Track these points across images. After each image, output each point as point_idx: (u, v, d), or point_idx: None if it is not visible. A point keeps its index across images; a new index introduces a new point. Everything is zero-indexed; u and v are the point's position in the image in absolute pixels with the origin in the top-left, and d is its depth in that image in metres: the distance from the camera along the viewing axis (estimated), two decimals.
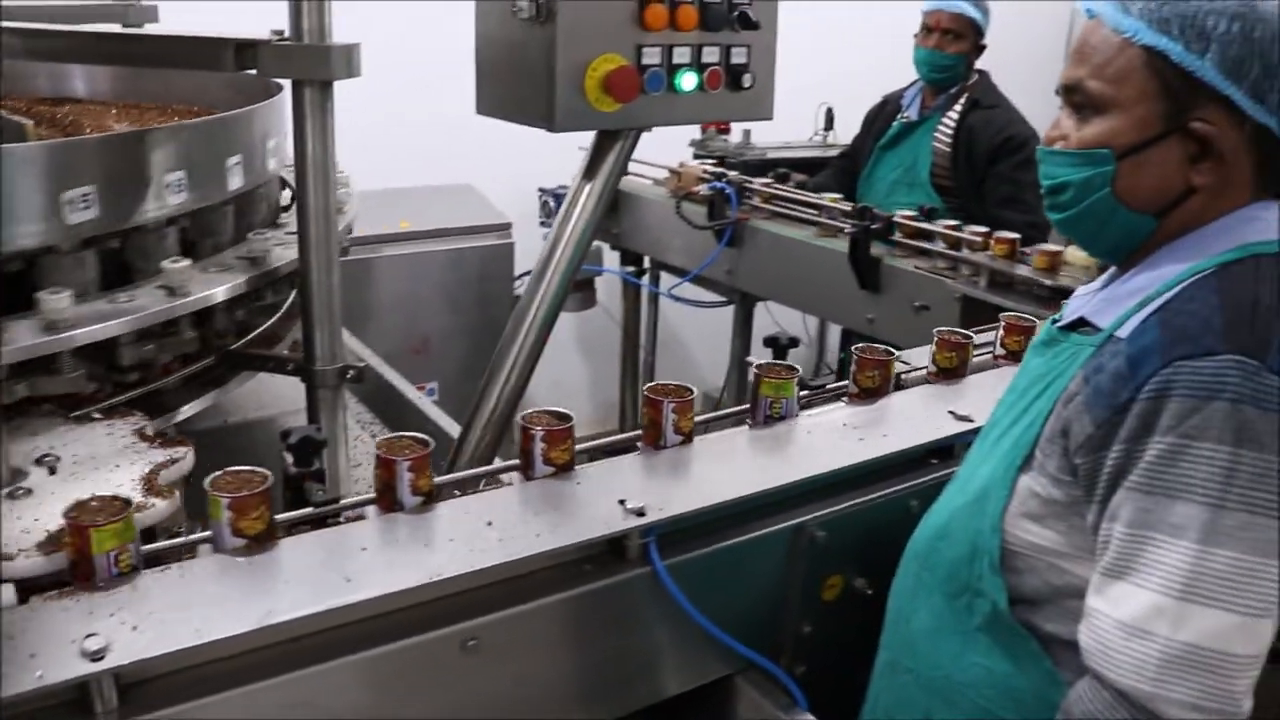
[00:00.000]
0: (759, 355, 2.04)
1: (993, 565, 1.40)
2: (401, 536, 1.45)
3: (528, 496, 1.54)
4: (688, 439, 1.70)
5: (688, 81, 1.74)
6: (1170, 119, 1.29)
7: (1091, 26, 1.34)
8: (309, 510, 1.49)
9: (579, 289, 4.49)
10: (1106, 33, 1.31)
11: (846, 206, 3.41)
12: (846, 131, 4.43)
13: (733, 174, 3.84)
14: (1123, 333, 1.30)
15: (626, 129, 1.80)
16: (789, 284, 3.64)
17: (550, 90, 1.64)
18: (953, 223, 3.18)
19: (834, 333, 5.20)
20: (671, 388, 1.70)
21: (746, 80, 1.80)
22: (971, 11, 3.80)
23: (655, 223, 4.11)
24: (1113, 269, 1.44)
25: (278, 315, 2.31)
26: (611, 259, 4.57)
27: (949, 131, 3.81)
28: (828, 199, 3.58)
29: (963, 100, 3.84)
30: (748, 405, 1.82)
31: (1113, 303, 1.36)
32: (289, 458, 1.56)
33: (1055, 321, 1.48)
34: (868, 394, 1.87)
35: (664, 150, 4.07)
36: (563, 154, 4.13)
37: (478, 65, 1.82)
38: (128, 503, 1.32)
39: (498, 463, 1.67)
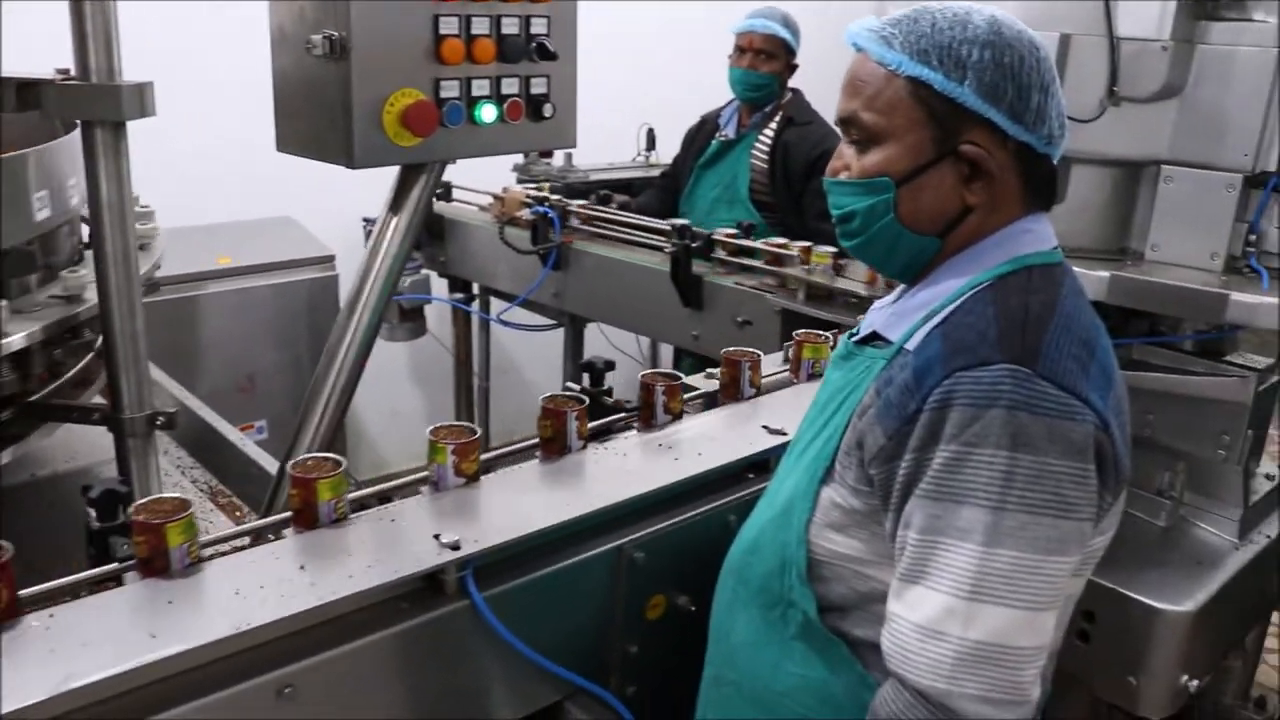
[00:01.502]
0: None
1: (801, 576, 1.44)
2: (209, 587, 1.41)
3: (342, 537, 1.52)
4: (473, 479, 1.70)
5: (488, 114, 1.75)
6: (940, 144, 1.36)
7: (860, 60, 1.41)
8: (114, 566, 1.44)
9: (408, 318, 4.45)
10: (873, 66, 1.38)
11: (666, 226, 3.47)
12: (669, 151, 4.50)
13: (555, 198, 3.86)
14: (910, 345, 1.36)
15: (430, 162, 1.80)
16: (615, 304, 3.68)
17: (348, 127, 1.63)
18: (776, 239, 3.26)
19: (667, 350, 5.27)
20: (454, 429, 1.71)
21: (547, 110, 1.82)
22: (782, 32, 3.91)
23: (481, 249, 4.11)
24: (903, 285, 1.51)
25: (89, 356, 2.22)
26: (440, 286, 4.54)
27: (765, 148, 3.91)
28: (647, 219, 3.64)
29: (778, 118, 3.95)
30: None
31: (901, 317, 1.43)
32: (91, 513, 1.51)
33: (852, 336, 1.54)
34: (648, 418, 1.91)
35: (488, 176, 4.08)
36: (385, 184, 4.12)
37: (276, 103, 1.79)
38: None
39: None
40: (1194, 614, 2.52)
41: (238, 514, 2.30)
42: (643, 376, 1.95)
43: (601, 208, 3.81)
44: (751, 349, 2.15)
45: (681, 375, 2.01)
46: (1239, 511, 2.80)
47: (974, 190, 1.38)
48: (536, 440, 1.84)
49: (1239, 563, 2.74)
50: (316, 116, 1.70)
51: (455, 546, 1.48)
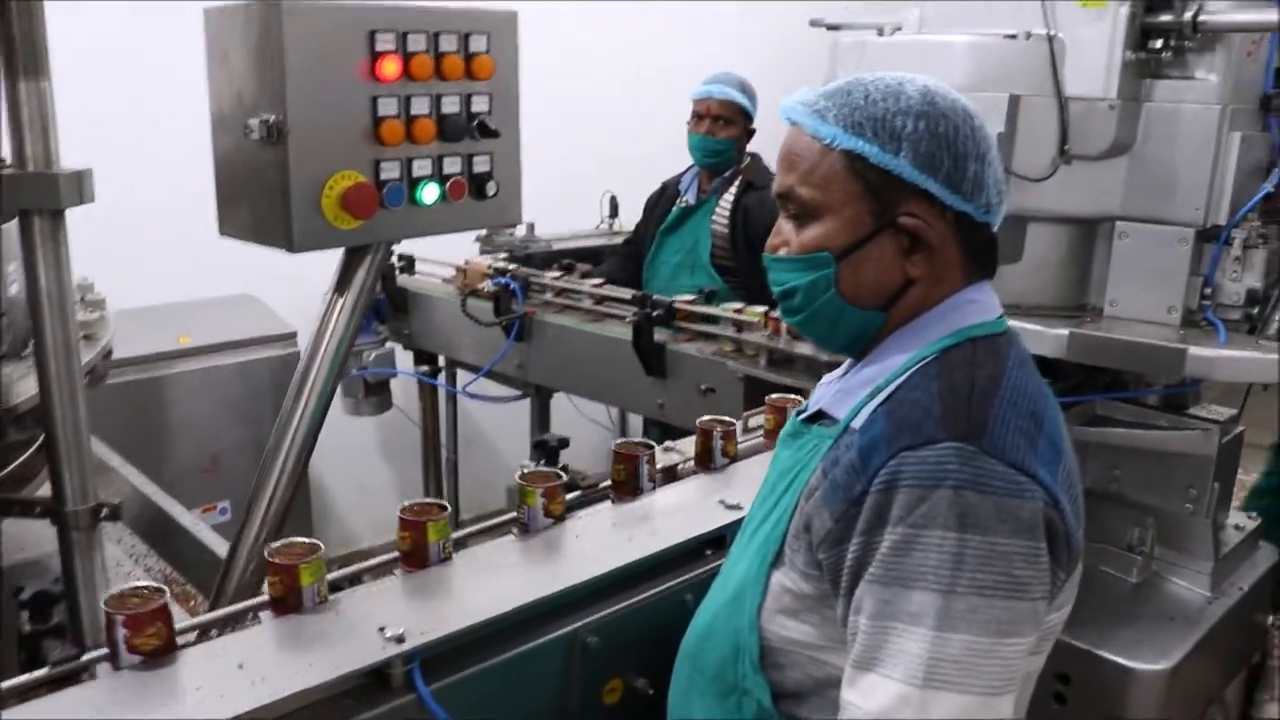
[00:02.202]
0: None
1: (754, 664, 1.40)
2: (141, 690, 1.36)
3: (282, 632, 1.48)
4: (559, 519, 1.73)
5: (429, 194, 1.74)
6: (878, 216, 1.35)
7: (794, 134, 1.40)
8: (44, 673, 1.39)
9: (373, 393, 4.41)
10: (808, 140, 1.37)
11: (627, 294, 3.46)
12: (632, 218, 4.51)
13: (518, 268, 3.85)
14: (856, 424, 1.34)
15: (374, 243, 1.78)
16: (579, 374, 3.65)
17: (286, 211, 1.60)
18: (734, 305, 3.25)
19: (636, 419, 5.25)
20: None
21: (491, 188, 1.81)
22: (739, 98, 3.94)
23: (445, 321, 4.09)
24: (850, 359, 1.49)
25: (32, 449, 2.19)
26: (405, 359, 4.51)
27: (726, 213, 3.91)
28: (608, 288, 3.63)
29: (737, 183, 3.96)
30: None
31: (847, 394, 1.41)
32: (23, 615, 1.47)
33: (800, 413, 1.52)
34: (627, 490, 1.88)
35: (451, 248, 4.07)
36: None
37: (217, 187, 1.78)
38: None
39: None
40: (1169, 672, 2.50)
41: (191, 603, 2.25)
42: (616, 447, 1.93)
43: (563, 277, 3.80)
44: (726, 417, 2.13)
45: (654, 445, 1.99)
46: (1210, 564, 2.78)
47: (915, 262, 1.36)
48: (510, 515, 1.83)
49: (1213, 616, 2.72)
50: (256, 200, 1.68)
51: (400, 639, 1.44)
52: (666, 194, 4.21)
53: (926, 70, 2.66)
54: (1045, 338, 2.55)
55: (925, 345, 1.36)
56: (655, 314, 3.23)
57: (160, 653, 1.40)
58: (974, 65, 2.58)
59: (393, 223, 1.72)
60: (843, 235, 1.36)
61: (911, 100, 1.34)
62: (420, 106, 1.71)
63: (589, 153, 5.17)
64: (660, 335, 3.27)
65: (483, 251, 4.35)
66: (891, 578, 1.22)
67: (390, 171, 1.69)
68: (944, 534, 1.19)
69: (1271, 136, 2.61)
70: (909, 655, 1.20)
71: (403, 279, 4.31)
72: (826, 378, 1.53)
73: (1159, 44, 2.50)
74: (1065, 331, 2.52)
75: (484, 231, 4.54)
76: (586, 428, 4.96)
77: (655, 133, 4.75)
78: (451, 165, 1.77)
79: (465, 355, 4.12)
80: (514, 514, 1.81)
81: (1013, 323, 2.55)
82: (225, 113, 1.71)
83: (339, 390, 4.44)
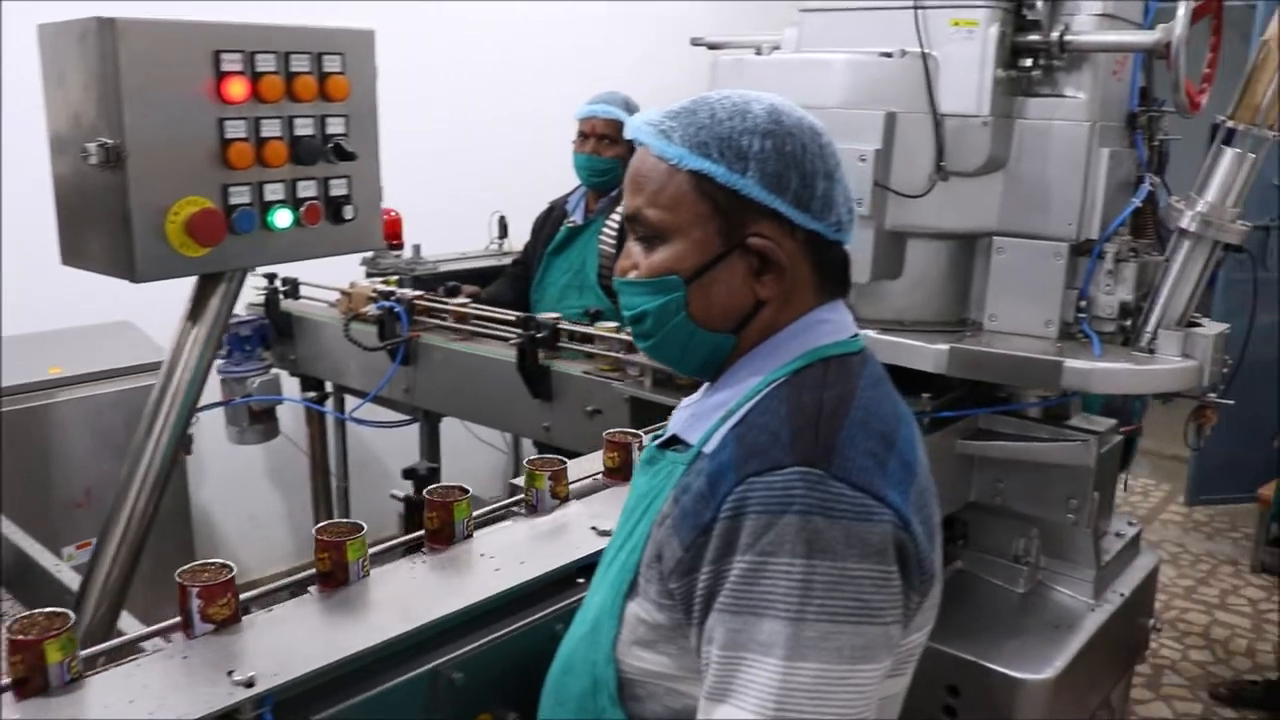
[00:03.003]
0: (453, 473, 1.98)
1: (612, 697, 1.36)
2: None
3: (127, 679, 1.41)
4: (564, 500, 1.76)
5: (283, 219, 1.67)
6: (727, 237, 1.32)
7: (641, 154, 1.36)
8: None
9: (259, 420, 4.28)
10: (654, 161, 1.34)
11: (511, 316, 3.41)
12: (522, 239, 4.46)
13: (403, 291, 3.78)
14: (708, 449, 1.30)
15: (227, 271, 1.71)
16: (466, 398, 3.59)
17: (128, 238, 1.53)
18: (609, 324, 3.21)
19: (529, 442, 5.18)
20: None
21: (348, 212, 1.74)
22: (623, 116, 3.91)
23: (331, 346, 3.99)
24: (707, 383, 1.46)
25: None
26: (292, 386, 4.40)
27: (613, 233, 3.89)
28: (491, 310, 3.57)
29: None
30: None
31: (700, 418, 1.38)
32: None
33: (657, 438, 1.48)
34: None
35: (336, 271, 3.98)
36: None
37: (58, 214, 1.69)
38: None
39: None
40: (1054, 680, 2.53)
41: None
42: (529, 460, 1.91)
43: (447, 300, 3.73)
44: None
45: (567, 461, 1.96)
46: (1092, 572, 2.83)
47: (765, 283, 1.34)
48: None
49: (1096, 623, 2.76)
50: (97, 227, 1.60)
51: (249, 683, 1.37)
52: (554, 214, 4.18)
53: (805, 89, 2.70)
54: (926, 353, 2.56)
55: (777, 367, 1.34)
56: (539, 335, 3.17)
57: (230, 621, 1.48)
58: (851, 83, 2.59)
59: (243, 249, 1.65)
60: (692, 257, 1.33)
61: (758, 119, 1.31)
62: (271, 128, 1.64)
63: (478, 173, 5.13)
64: (546, 358, 3.22)
65: (369, 275, 4.27)
66: (741, 606, 1.19)
67: (240, 196, 1.62)
68: (791, 561, 1.16)
69: (1138, 152, 2.67)
70: (760, 686, 1.16)
71: (287, 304, 4.20)
72: (684, 401, 1.49)
73: (1029, 63, 2.54)
74: (946, 346, 2.54)
75: (370, 254, 4.47)
76: (482, 452, 4.90)
77: (546, 152, 4.72)
78: (306, 189, 1.70)
79: (352, 380, 4.02)
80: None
81: (894, 339, 2.63)
82: (63, 135, 1.62)
83: (224, 419, 4.36)
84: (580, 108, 3.97)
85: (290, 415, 4.66)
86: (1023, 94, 2.58)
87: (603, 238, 3.90)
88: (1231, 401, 2.58)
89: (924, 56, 2.51)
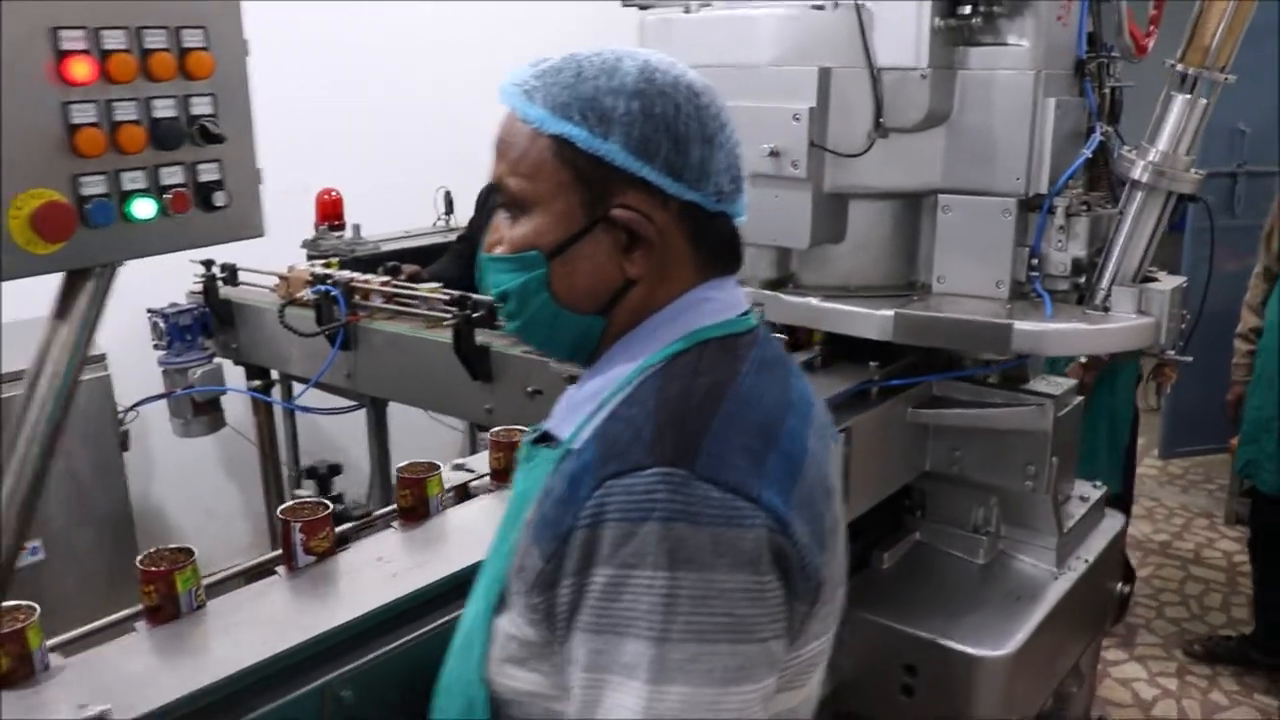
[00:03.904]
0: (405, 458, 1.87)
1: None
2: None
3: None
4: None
5: (143, 209, 1.51)
6: (591, 209, 1.18)
7: (508, 117, 1.23)
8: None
9: (202, 412, 4.15)
10: (519, 124, 1.21)
11: (446, 296, 3.28)
12: (468, 214, 4.33)
13: (341, 274, 3.64)
14: (577, 445, 1.17)
15: (95, 266, 1.57)
16: (407, 381, 3.46)
17: None
18: None
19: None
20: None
21: (220, 199, 1.60)
22: None
23: (274, 333, 3.85)
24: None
25: None
26: (236, 374, 4.27)
27: None
28: (425, 289, 3.44)
29: None
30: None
31: (572, 410, 1.24)
32: None
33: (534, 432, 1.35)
34: (412, 516, 1.72)
35: (276, 254, 3.85)
36: (173, 272, 3.86)
37: None
38: None
39: None
40: (1013, 656, 2.45)
41: None
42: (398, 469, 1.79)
43: (370, 279, 3.59)
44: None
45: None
46: (1055, 539, 2.75)
47: (634, 260, 1.20)
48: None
49: (1059, 592, 2.68)
50: None
51: (101, 718, 1.26)
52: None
53: (734, 46, 2.56)
54: (871, 319, 2.46)
55: (652, 352, 1.20)
56: (474, 315, 3.05)
57: (329, 554, 1.62)
58: (782, 38, 2.48)
59: (101, 244, 1.50)
60: (554, 231, 1.20)
61: (626, 78, 1.17)
62: (126, 112, 1.49)
63: (422, 150, 4.98)
64: (485, 337, 3.10)
65: (310, 258, 4.13)
66: (603, 625, 1.06)
67: (94, 186, 1.48)
68: (654, 574, 1.03)
69: (1088, 101, 2.55)
70: (624, 711, 1.04)
71: (226, 290, 4.06)
72: (568, 389, 1.35)
73: (968, 10, 2.41)
74: (890, 312, 2.43)
75: (310, 235, 4.34)
76: (438, 433, 4.77)
77: (491, 125, 4.57)
78: (171, 176, 1.55)
79: (295, 368, 3.90)
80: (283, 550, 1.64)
81: (839, 305, 2.51)
82: None
83: (168, 412, 4.23)
84: None
85: (238, 405, 4.54)
86: (963, 43, 2.46)
87: None
88: (1190, 359, 2.47)
89: (858, 7, 2.38)
